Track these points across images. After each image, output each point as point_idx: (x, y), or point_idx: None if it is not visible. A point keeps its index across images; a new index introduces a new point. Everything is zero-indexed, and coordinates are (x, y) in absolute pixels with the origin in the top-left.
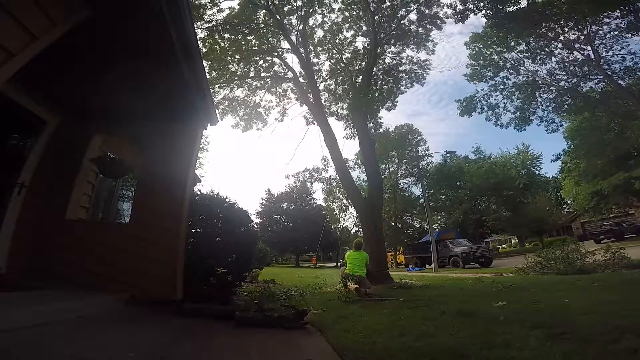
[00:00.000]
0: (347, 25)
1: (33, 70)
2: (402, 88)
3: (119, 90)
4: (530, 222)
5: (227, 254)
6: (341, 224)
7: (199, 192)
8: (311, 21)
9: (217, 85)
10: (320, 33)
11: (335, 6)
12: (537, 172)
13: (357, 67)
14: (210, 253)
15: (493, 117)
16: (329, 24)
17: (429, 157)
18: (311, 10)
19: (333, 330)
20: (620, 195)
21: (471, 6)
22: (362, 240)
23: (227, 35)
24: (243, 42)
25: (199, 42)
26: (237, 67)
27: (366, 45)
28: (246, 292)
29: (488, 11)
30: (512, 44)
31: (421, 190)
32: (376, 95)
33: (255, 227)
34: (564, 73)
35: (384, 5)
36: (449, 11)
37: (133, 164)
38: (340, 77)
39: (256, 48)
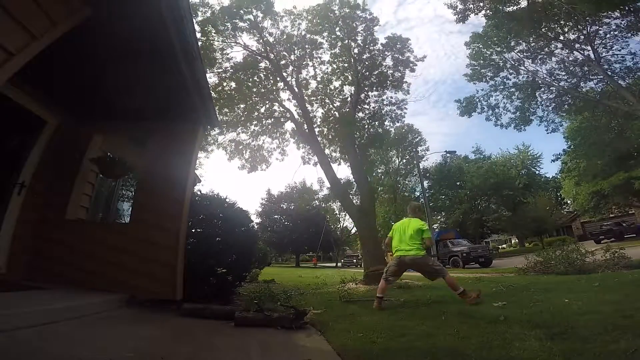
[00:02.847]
0: (336, 76)
1: (33, 70)
2: (387, 128)
3: (119, 90)
4: (530, 222)
5: (227, 254)
6: (341, 224)
7: (199, 192)
8: (304, 73)
9: (223, 127)
10: (313, 84)
11: (325, 58)
12: (537, 172)
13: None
14: (210, 253)
15: (493, 117)
16: (321, 75)
17: (425, 160)
18: (304, 63)
19: (333, 330)
20: (620, 195)
21: (471, 6)
22: (418, 203)
23: (233, 84)
24: (247, 91)
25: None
26: (241, 114)
27: (352, 92)
28: (246, 292)
29: (488, 11)
30: (512, 44)
31: (421, 190)
32: (364, 139)
33: (255, 227)
34: (564, 73)
35: (365, 57)
36: (451, 11)
37: (133, 164)
38: (331, 124)
39: (258, 98)
